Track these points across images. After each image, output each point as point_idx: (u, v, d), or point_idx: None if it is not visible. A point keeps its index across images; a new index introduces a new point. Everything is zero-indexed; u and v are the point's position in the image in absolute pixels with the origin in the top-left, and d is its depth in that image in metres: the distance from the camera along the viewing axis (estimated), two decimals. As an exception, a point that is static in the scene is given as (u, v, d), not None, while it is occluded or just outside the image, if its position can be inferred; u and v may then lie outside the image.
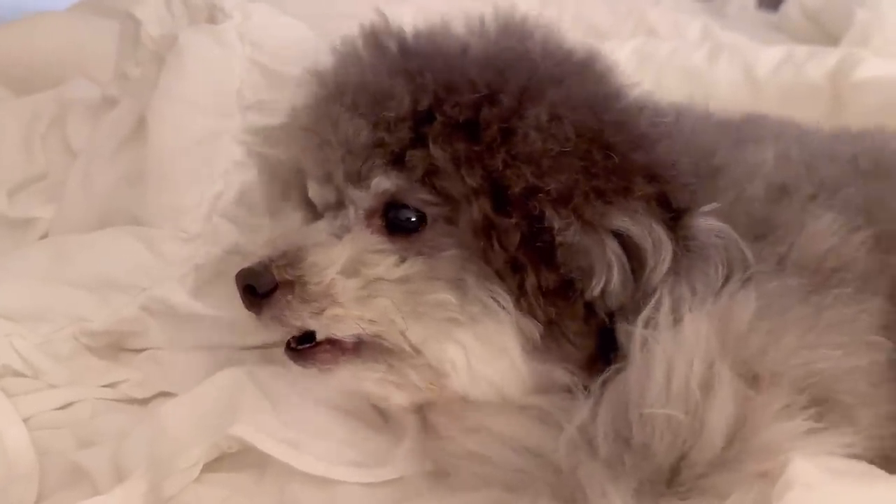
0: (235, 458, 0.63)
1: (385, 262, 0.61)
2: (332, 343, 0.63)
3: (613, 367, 0.56)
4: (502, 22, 0.70)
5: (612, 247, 0.58)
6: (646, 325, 0.56)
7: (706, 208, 0.61)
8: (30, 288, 0.77)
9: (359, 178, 0.63)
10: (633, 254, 0.59)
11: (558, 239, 0.58)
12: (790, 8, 1.75)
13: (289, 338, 0.64)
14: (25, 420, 0.69)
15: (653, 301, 0.57)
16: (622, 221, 0.58)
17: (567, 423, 0.55)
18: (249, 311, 0.63)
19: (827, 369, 0.54)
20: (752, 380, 0.53)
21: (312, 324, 0.62)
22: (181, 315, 0.77)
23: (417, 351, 0.61)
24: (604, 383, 0.56)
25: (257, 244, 0.68)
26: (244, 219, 0.78)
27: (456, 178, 0.60)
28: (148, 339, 0.78)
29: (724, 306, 0.56)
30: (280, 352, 0.75)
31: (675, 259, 0.59)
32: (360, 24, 0.70)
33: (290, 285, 0.61)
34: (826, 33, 1.58)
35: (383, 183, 0.62)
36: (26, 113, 1.06)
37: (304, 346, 0.64)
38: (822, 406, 0.53)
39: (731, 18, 1.84)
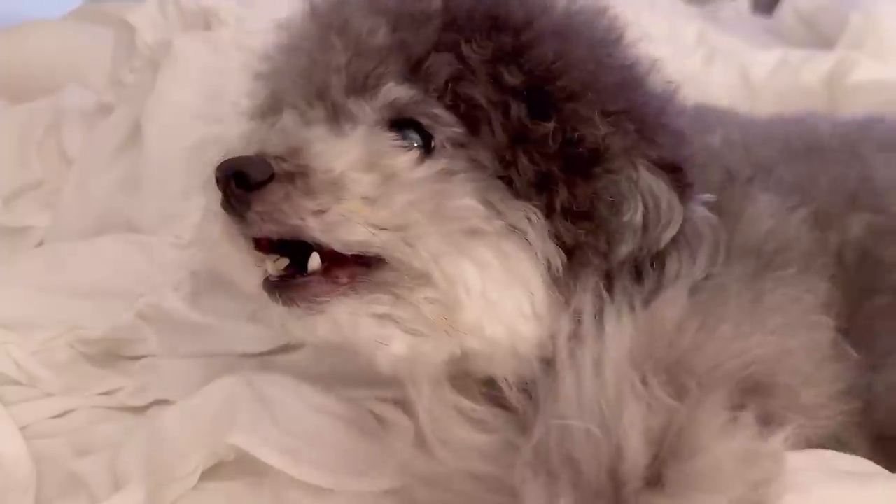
0: (233, 467, 0.62)
1: (405, 157, 0.54)
2: (327, 273, 0.54)
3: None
4: None
5: (642, 182, 0.56)
6: (571, 329, 0.53)
7: (705, 197, 0.60)
8: (25, 296, 0.77)
9: (364, 88, 0.57)
10: (648, 205, 0.57)
11: (606, 142, 0.55)
12: (785, 12, 1.75)
13: (266, 274, 0.56)
14: (22, 429, 0.68)
15: (571, 308, 0.54)
16: (648, 175, 0.57)
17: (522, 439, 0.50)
18: (229, 210, 0.54)
19: (764, 354, 0.51)
20: (680, 388, 0.48)
21: (312, 224, 0.52)
22: (177, 322, 0.76)
23: (426, 275, 0.54)
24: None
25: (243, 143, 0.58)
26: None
27: (486, 82, 0.55)
28: (144, 346, 0.78)
29: (651, 309, 0.54)
30: (278, 359, 0.76)
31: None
32: None
33: (290, 177, 0.52)
34: (820, 37, 1.59)
35: (394, 91, 0.56)
36: (21, 121, 1.06)
37: (290, 278, 0.55)
38: (764, 394, 0.50)
39: (726, 23, 1.84)
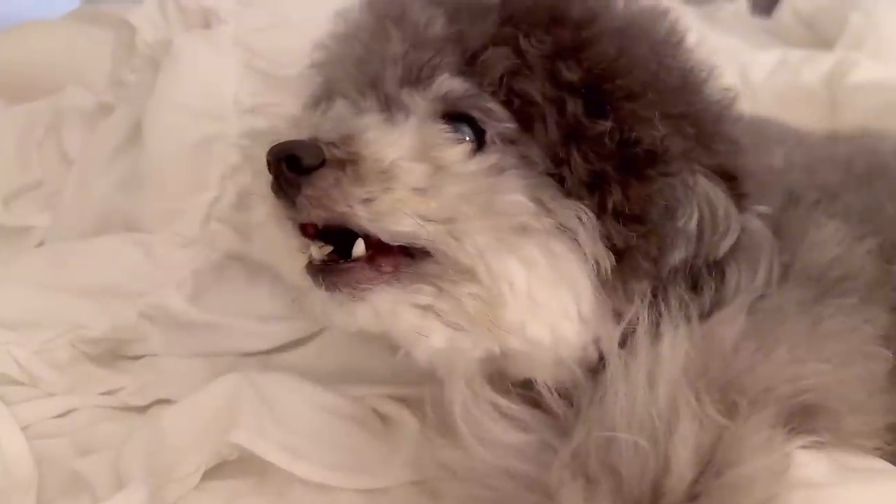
0: (235, 465, 0.62)
1: (457, 149, 0.54)
2: (371, 261, 0.54)
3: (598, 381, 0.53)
4: None
5: (698, 188, 0.55)
6: (626, 345, 0.52)
7: (761, 209, 0.59)
8: (27, 296, 0.77)
9: (419, 79, 0.56)
10: (705, 212, 0.56)
11: (664, 144, 0.54)
12: (784, 12, 1.75)
13: (310, 258, 0.55)
14: (24, 428, 0.68)
15: (627, 317, 0.54)
16: (705, 182, 0.56)
17: (559, 441, 0.51)
18: (279, 194, 0.53)
19: (818, 383, 0.51)
20: (731, 406, 0.49)
21: (360, 213, 0.52)
22: (179, 321, 0.76)
23: (471, 270, 0.53)
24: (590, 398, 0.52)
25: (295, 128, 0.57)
26: (241, 223, 0.78)
27: (543, 78, 0.54)
28: (146, 345, 0.78)
29: (709, 326, 0.53)
30: (280, 357, 0.75)
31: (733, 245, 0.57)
32: None
33: (341, 164, 0.52)
34: (820, 37, 1.59)
35: (448, 83, 0.55)
36: (21, 121, 1.06)
37: (334, 263, 0.54)
38: (808, 416, 0.50)
39: (725, 23, 1.84)
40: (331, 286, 0.54)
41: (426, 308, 0.54)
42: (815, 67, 1.30)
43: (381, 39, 0.57)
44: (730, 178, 0.58)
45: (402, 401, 0.67)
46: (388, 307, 0.54)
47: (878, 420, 0.54)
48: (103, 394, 0.74)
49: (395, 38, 0.56)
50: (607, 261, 0.54)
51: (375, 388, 0.68)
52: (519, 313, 0.54)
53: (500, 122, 0.55)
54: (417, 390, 0.65)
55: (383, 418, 0.67)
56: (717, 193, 0.56)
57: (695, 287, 0.57)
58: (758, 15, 1.99)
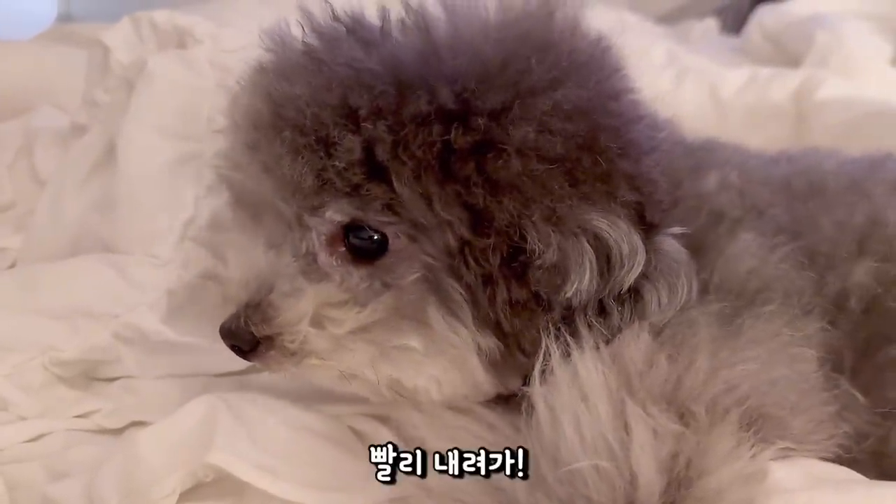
0: (212, 487, 0.62)
1: (347, 314, 0.60)
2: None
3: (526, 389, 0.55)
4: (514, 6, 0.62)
5: (587, 248, 0.57)
6: (541, 378, 0.54)
7: (674, 230, 0.60)
8: (-2, 318, 0.76)
9: (313, 209, 0.59)
10: (603, 254, 0.57)
11: (537, 262, 0.56)
12: (752, 31, 1.78)
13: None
14: (-5, 453, 0.67)
15: (541, 351, 0.55)
16: (601, 224, 0.57)
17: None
18: (241, 356, 0.64)
19: (751, 386, 0.53)
20: (687, 415, 0.50)
21: (298, 372, 0.63)
22: (154, 342, 0.76)
23: (395, 383, 0.62)
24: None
25: (230, 275, 0.65)
26: (216, 243, 0.78)
27: (426, 212, 0.56)
28: (120, 367, 0.77)
29: (613, 348, 0.55)
30: (255, 378, 0.75)
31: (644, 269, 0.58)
32: (300, 12, 0.63)
33: (270, 340, 0.61)
34: (787, 55, 1.61)
35: (337, 215, 0.59)
36: (-8, 142, 1.05)
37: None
38: (758, 423, 0.52)
39: (696, 42, 1.87)
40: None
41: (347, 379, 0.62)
42: (783, 85, 1.32)
43: (274, 169, 0.60)
44: (639, 213, 0.59)
45: (379, 418, 0.67)
46: (320, 374, 0.63)
47: (820, 414, 0.55)
48: (77, 417, 0.74)
49: (280, 177, 0.59)
50: (496, 349, 0.58)
51: (352, 406, 0.68)
52: (430, 400, 0.62)
53: (396, 224, 0.57)
54: (393, 408, 0.65)
55: (360, 436, 0.67)
56: (618, 234, 0.57)
57: (603, 311, 0.59)
58: (727, 34, 2.03)
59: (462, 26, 0.60)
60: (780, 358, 0.56)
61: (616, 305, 0.58)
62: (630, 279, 0.57)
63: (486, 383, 0.61)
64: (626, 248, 0.57)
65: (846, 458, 0.57)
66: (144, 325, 0.75)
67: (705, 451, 0.48)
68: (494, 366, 0.59)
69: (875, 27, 1.60)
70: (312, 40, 0.62)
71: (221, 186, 0.70)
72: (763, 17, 1.77)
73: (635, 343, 0.55)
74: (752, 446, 0.50)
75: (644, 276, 0.58)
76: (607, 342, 0.56)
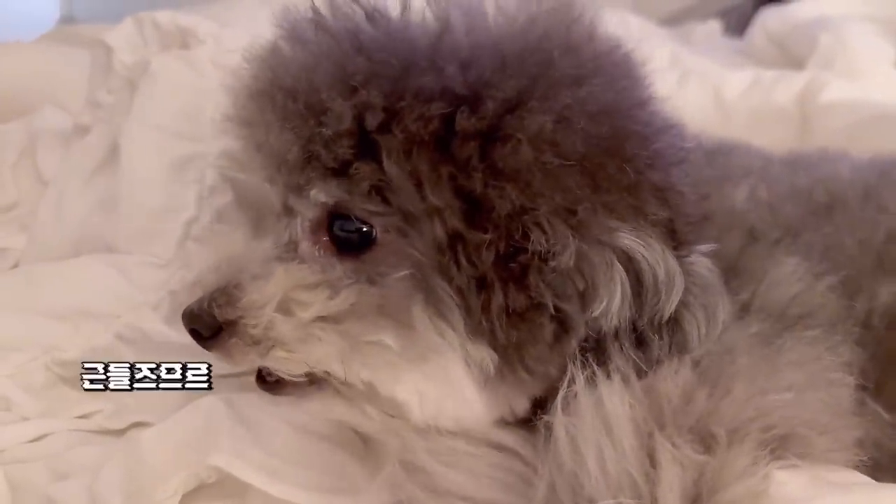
0: (214, 488, 0.62)
1: (317, 297, 0.55)
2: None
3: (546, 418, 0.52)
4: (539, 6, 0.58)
5: (617, 265, 0.53)
6: (563, 404, 0.51)
7: (704, 248, 0.58)
8: (1, 318, 0.76)
9: (298, 188, 0.56)
10: (632, 275, 0.54)
11: (551, 263, 0.52)
12: (755, 33, 1.78)
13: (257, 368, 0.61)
14: (-3, 454, 0.67)
15: (566, 380, 0.52)
16: (634, 243, 0.53)
17: (535, 474, 0.51)
18: (202, 345, 0.59)
19: (783, 416, 0.51)
20: (709, 440, 0.48)
21: (262, 364, 0.59)
22: (156, 343, 0.76)
23: (371, 387, 0.58)
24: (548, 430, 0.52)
25: (203, 267, 0.62)
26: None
27: (415, 196, 0.52)
28: (122, 368, 0.77)
29: (648, 382, 0.52)
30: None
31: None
32: None
33: (233, 325, 0.56)
34: (791, 58, 1.62)
35: (321, 195, 0.55)
36: (-5, 143, 1.05)
37: (272, 380, 0.61)
38: (781, 444, 0.50)
39: (699, 44, 1.87)
40: (277, 393, 0.62)
41: (348, 410, 0.60)
42: (787, 87, 1.32)
43: (264, 143, 0.57)
44: (668, 229, 0.56)
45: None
46: (323, 410, 0.61)
47: (846, 436, 0.54)
48: (79, 417, 0.73)
49: (268, 150, 0.57)
50: (490, 361, 0.54)
51: (355, 407, 0.68)
52: (422, 418, 0.58)
53: (384, 216, 0.53)
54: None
55: (363, 439, 0.67)
56: (652, 257, 0.54)
57: (641, 343, 0.56)
58: (730, 36, 2.03)
59: (481, 22, 0.56)
60: (819, 382, 0.54)
61: (655, 336, 0.55)
62: (671, 308, 0.54)
63: (478, 403, 0.56)
64: (661, 273, 0.54)
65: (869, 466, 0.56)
66: (146, 325, 0.75)
67: (720, 470, 0.47)
68: (489, 383, 0.55)
69: (879, 29, 1.60)
70: (324, 11, 0.58)
71: (224, 187, 0.69)
72: (767, 20, 1.77)
73: (673, 379, 0.52)
74: (768, 463, 0.48)
75: (682, 303, 0.55)
76: (641, 373, 0.53)
